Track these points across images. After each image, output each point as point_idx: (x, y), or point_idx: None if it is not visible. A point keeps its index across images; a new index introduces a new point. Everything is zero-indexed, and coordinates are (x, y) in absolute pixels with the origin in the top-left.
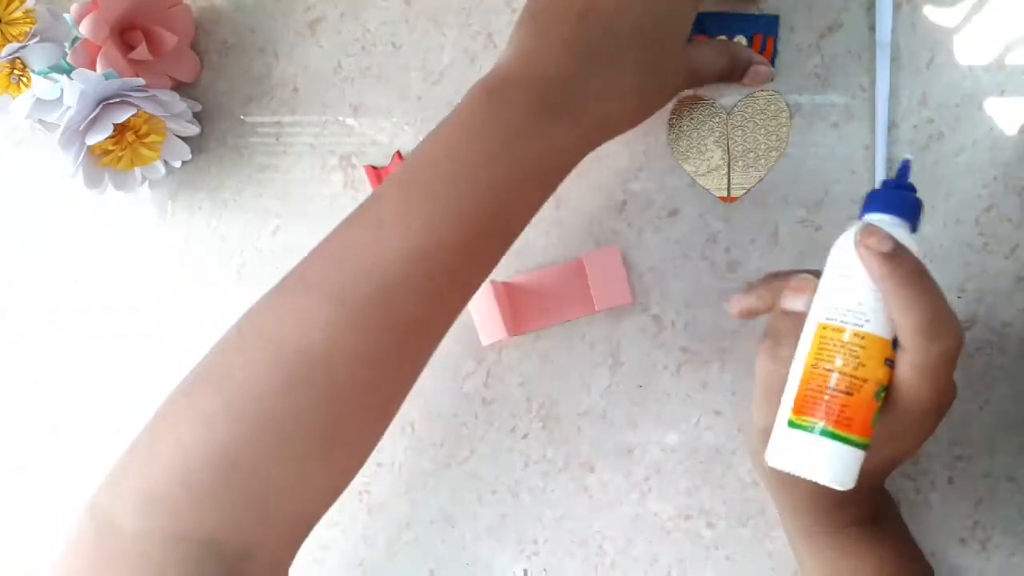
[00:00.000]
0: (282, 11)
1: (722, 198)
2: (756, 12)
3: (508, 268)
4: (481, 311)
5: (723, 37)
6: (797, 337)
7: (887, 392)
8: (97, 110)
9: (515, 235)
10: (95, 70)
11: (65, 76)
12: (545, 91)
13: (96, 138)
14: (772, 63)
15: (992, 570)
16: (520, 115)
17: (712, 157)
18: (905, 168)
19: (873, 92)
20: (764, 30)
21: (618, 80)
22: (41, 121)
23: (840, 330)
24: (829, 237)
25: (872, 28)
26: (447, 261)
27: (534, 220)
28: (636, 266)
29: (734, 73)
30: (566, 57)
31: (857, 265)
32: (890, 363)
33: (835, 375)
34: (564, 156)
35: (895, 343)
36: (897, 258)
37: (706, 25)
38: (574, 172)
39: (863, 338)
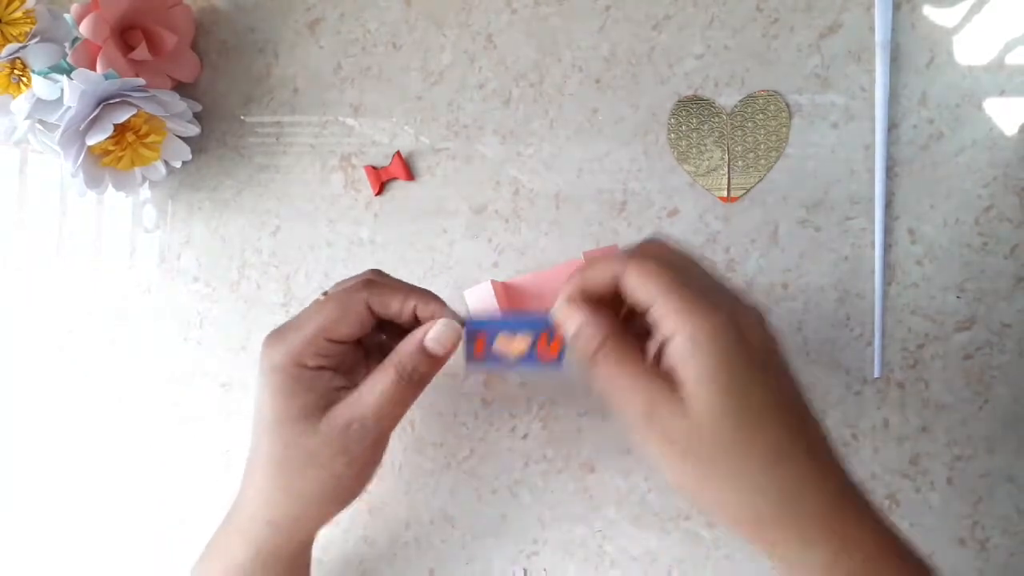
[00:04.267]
0: (282, 11)
1: (722, 198)
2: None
3: (508, 268)
4: (480, 312)
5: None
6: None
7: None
8: (97, 110)
9: None
10: (95, 70)
11: (65, 76)
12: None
13: (96, 138)
14: (560, 359)
15: (992, 570)
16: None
17: (712, 157)
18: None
19: (873, 92)
20: (544, 327)
21: (260, 483)
22: (41, 121)
23: None
24: (829, 237)
25: (872, 28)
26: None
27: (535, 220)
28: None
29: (406, 376)
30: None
31: None
32: None
33: None
34: (240, 569)
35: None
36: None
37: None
38: (574, 172)
39: None
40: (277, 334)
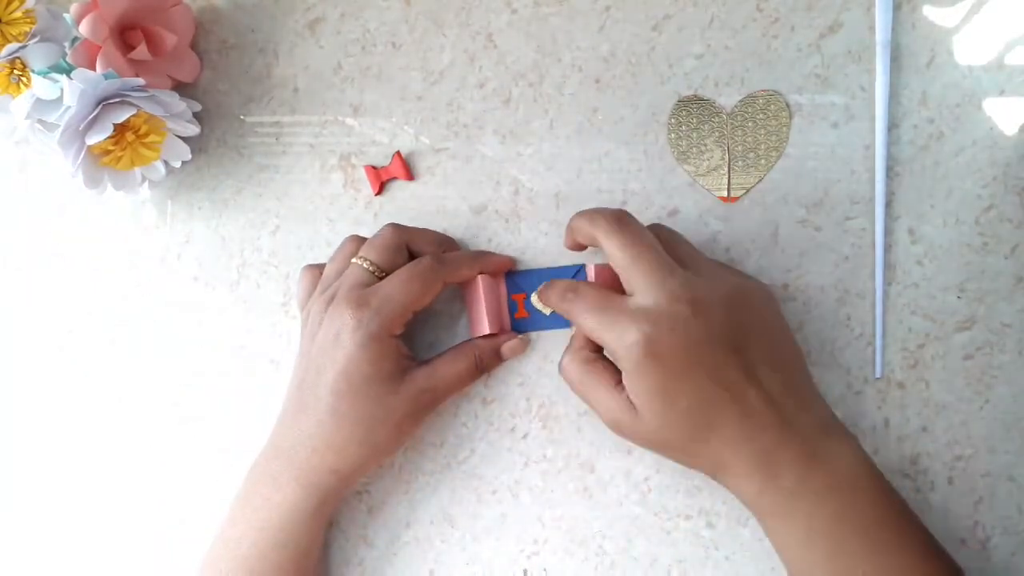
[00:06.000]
0: (282, 11)
1: (722, 198)
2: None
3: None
4: (470, 306)
5: (463, 343)
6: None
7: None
8: (97, 110)
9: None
10: (95, 70)
11: (65, 76)
12: (271, 460)
13: (96, 138)
14: None
15: (992, 570)
16: (263, 485)
17: (712, 157)
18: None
19: (873, 92)
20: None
21: (332, 436)
22: (41, 121)
23: None
24: (829, 237)
25: (872, 28)
26: None
27: (535, 220)
28: None
29: (480, 367)
30: (290, 416)
31: None
32: None
33: None
34: (296, 512)
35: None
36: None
37: (522, 285)
38: (574, 172)
39: None
40: (361, 302)
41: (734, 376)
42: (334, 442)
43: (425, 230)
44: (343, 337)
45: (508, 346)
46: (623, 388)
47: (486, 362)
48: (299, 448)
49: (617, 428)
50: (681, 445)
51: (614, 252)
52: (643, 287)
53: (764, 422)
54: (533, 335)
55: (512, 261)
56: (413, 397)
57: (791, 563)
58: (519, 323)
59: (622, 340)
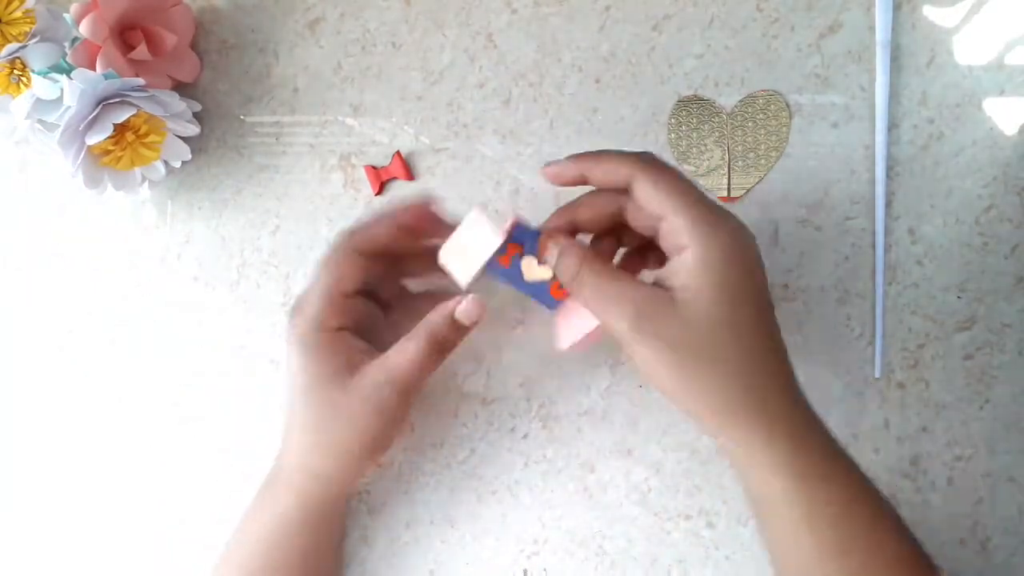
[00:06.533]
0: (282, 11)
1: (722, 198)
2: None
3: None
4: (525, 222)
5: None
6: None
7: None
8: (97, 110)
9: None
10: (95, 70)
11: (65, 76)
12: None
13: (96, 138)
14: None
15: (991, 570)
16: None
17: (712, 157)
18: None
19: (873, 92)
20: None
21: (301, 441)
22: (41, 121)
23: None
24: (829, 237)
25: (872, 28)
26: None
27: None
28: None
29: (439, 343)
30: (285, 425)
31: None
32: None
33: None
34: (284, 519)
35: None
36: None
37: (522, 239)
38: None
39: None
40: (295, 309)
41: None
42: (304, 444)
43: (372, 219)
44: (287, 347)
45: (462, 310)
46: (644, 283)
47: (444, 335)
48: (285, 455)
49: (638, 323)
50: (713, 348)
51: (663, 185)
52: (711, 213)
53: (790, 379)
54: (533, 336)
55: (430, 201)
56: (369, 393)
57: (802, 538)
58: (494, 269)
59: (719, 237)
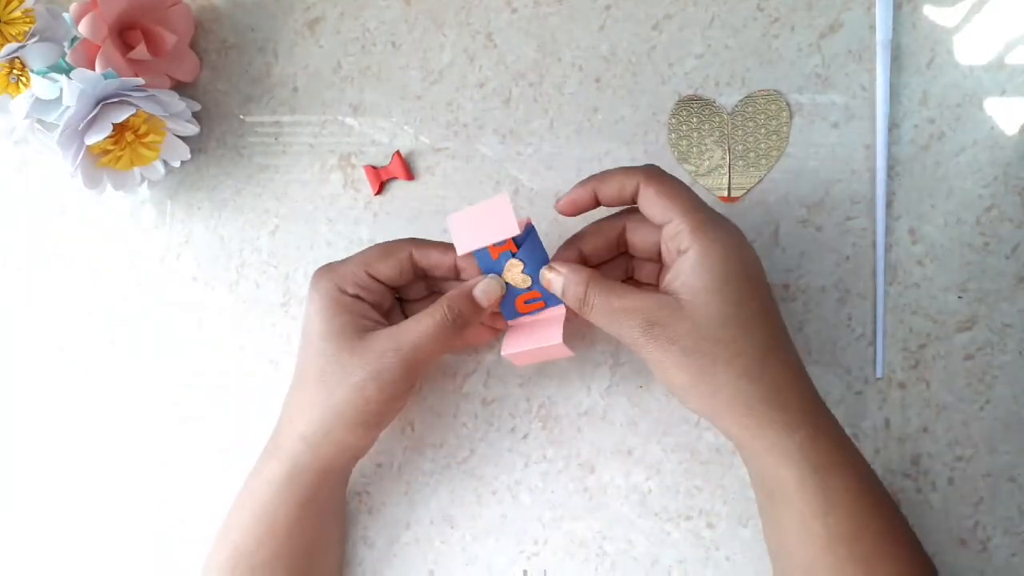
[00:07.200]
0: (282, 11)
1: (722, 198)
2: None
3: None
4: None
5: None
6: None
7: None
8: (96, 110)
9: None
10: (94, 70)
11: (64, 76)
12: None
13: (95, 138)
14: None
15: (992, 570)
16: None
17: (712, 157)
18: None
19: (873, 92)
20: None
21: (297, 397)
22: (40, 121)
23: None
24: (830, 237)
25: (872, 28)
26: None
27: (534, 220)
28: None
29: (454, 319)
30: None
31: None
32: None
33: None
34: (270, 483)
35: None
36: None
37: (522, 255)
38: (574, 172)
39: None
40: (325, 267)
41: (780, 314)
42: (300, 404)
43: (439, 243)
44: (310, 292)
45: (481, 288)
46: (653, 289)
47: (459, 311)
48: (280, 419)
49: (650, 330)
50: (724, 347)
51: (665, 192)
52: (709, 218)
53: (801, 369)
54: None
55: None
56: (374, 357)
57: (812, 526)
58: (484, 254)
59: (719, 239)
